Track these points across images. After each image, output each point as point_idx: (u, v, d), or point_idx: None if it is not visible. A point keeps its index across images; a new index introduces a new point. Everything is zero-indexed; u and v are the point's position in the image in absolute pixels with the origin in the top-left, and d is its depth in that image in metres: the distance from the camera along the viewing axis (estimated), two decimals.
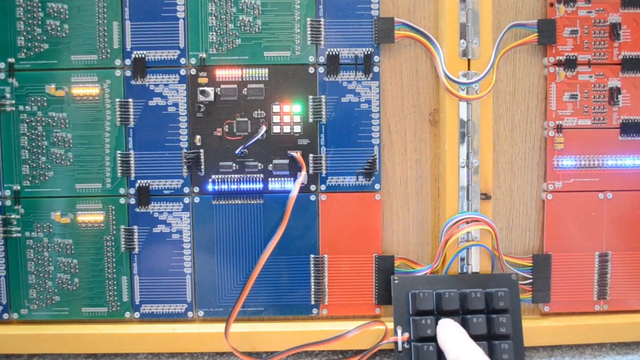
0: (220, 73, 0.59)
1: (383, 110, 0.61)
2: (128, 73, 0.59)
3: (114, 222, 0.60)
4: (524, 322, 0.58)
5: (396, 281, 0.58)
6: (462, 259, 0.60)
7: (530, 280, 0.61)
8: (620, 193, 0.61)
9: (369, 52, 0.60)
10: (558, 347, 0.62)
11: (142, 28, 0.59)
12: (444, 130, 0.60)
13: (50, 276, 0.60)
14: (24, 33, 0.59)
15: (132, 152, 0.60)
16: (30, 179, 0.60)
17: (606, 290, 0.62)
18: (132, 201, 0.60)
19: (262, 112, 0.60)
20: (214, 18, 0.59)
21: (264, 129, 0.60)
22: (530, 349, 0.61)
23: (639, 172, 0.61)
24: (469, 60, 0.59)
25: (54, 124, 0.59)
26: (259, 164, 0.60)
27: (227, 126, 0.60)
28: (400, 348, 0.56)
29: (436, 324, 0.56)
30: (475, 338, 0.55)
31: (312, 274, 0.61)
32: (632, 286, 0.62)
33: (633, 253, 0.62)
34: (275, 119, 0.60)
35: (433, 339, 0.55)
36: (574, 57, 0.60)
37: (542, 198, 0.61)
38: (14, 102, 0.59)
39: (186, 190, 0.60)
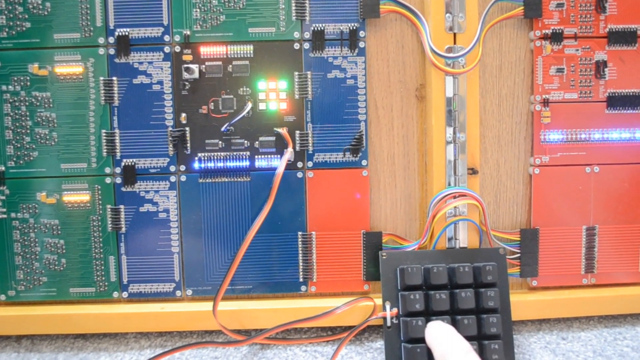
0: (204, 50, 0.59)
1: (369, 86, 0.60)
2: (112, 51, 0.59)
3: (100, 202, 0.60)
4: (512, 297, 0.58)
5: (384, 257, 0.58)
6: (450, 238, 0.60)
7: (518, 255, 0.61)
8: (607, 166, 0.61)
9: (354, 28, 0.59)
10: (546, 320, 0.63)
11: (125, 5, 0.58)
12: (430, 106, 0.60)
13: (37, 257, 0.60)
14: (5, 12, 0.58)
15: (117, 130, 0.59)
16: (14, 159, 0.59)
17: (594, 264, 0.62)
18: (118, 180, 0.60)
19: (248, 89, 0.59)
20: None
21: (249, 106, 0.59)
22: (518, 323, 0.62)
23: (625, 145, 0.61)
24: (454, 34, 0.59)
25: (38, 103, 0.59)
26: (245, 142, 0.60)
27: (212, 104, 0.59)
28: (389, 323, 0.56)
29: (425, 299, 0.56)
30: (464, 312, 0.55)
31: (300, 252, 0.61)
32: (619, 259, 0.62)
33: (620, 226, 0.62)
34: (261, 95, 0.59)
35: (422, 313, 0.55)
36: (560, 31, 0.60)
37: (529, 172, 0.61)
38: None
39: (172, 168, 0.60)
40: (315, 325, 0.60)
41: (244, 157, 0.60)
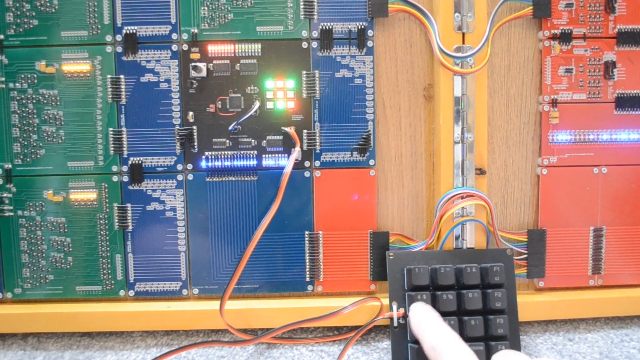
0: (212, 48, 0.59)
1: (377, 85, 0.60)
2: (119, 49, 0.59)
3: (107, 200, 0.60)
4: (518, 297, 0.58)
5: (391, 257, 0.58)
6: (457, 238, 0.60)
7: (525, 256, 0.61)
8: (615, 167, 0.61)
9: (362, 27, 0.59)
10: (553, 321, 0.62)
11: (132, 3, 0.58)
12: (438, 105, 0.59)
13: (44, 255, 0.60)
14: (13, 9, 0.58)
15: (124, 129, 0.59)
16: (21, 157, 0.59)
17: (601, 265, 0.62)
18: (125, 179, 0.60)
19: (255, 87, 0.59)
20: None
21: (257, 104, 0.59)
22: (524, 324, 0.62)
23: (633, 146, 0.61)
24: (463, 34, 0.59)
25: (45, 101, 0.59)
26: (253, 140, 0.60)
27: (220, 102, 0.59)
28: (395, 323, 0.56)
29: (432, 300, 0.56)
30: (471, 313, 0.55)
31: (307, 251, 0.60)
32: (627, 261, 0.62)
33: (627, 228, 0.62)
34: (269, 94, 0.59)
35: None
36: (569, 31, 0.60)
37: (537, 173, 0.61)
38: (3, 79, 0.58)
39: (179, 167, 0.60)
40: (321, 325, 0.60)
41: (251, 156, 0.60)
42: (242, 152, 0.60)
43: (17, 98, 0.59)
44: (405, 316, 0.56)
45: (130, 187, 0.60)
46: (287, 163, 0.59)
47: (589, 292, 0.62)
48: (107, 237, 0.60)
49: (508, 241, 0.61)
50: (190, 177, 0.60)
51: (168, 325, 0.59)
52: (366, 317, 0.59)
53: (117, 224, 0.60)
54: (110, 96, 0.59)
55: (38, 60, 0.58)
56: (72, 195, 0.59)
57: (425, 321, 0.51)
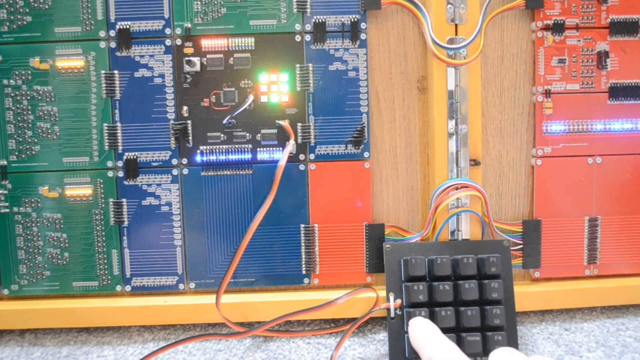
0: (206, 43, 0.59)
1: (371, 78, 0.60)
2: (113, 44, 0.59)
3: (102, 196, 0.60)
4: (514, 288, 0.58)
5: (388, 248, 0.58)
6: (452, 230, 0.60)
7: (521, 246, 0.61)
8: (609, 157, 0.61)
9: (355, 19, 0.59)
10: (549, 311, 0.63)
11: None
12: (432, 97, 0.59)
13: (40, 251, 0.60)
14: (6, 6, 0.58)
15: (119, 124, 0.59)
16: (16, 153, 0.59)
17: (596, 255, 0.62)
18: (121, 174, 0.60)
19: (249, 81, 0.59)
20: None
21: (251, 98, 0.59)
22: (521, 314, 0.62)
23: (627, 136, 0.61)
24: (456, 25, 0.59)
25: (39, 97, 0.59)
26: (247, 134, 0.60)
27: (214, 96, 0.59)
28: (392, 314, 0.56)
29: (429, 290, 0.56)
30: (467, 303, 0.55)
31: (303, 244, 0.61)
32: (622, 250, 0.62)
33: (622, 217, 0.62)
34: (263, 88, 0.59)
35: (425, 304, 0.55)
36: (562, 21, 0.60)
37: (532, 163, 0.61)
38: None
39: (174, 162, 0.60)
40: (317, 317, 0.60)
41: (246, 149, 0.60)
42: (236, 146, 0.60)
43: (12, 95, 0.59)
44: (402, 307, 0.56)
45: (125, 182, 0.60)
46: (281, 156, 0.59)
47: (584, 282, 0.62)
48: (103, 233, 0.60)
49: (503, 232, 0.61)
50: (185, 171, 0.60)
51: (165, 320, 0.60)
52: (363, 310, 0.59)
53: (112, 219, 0.60)
54: (105, 92, 0.59)
55: (32, 56, 0.58)
56: (68, 191, 0.59)
57: (424, 333, 0.51)
